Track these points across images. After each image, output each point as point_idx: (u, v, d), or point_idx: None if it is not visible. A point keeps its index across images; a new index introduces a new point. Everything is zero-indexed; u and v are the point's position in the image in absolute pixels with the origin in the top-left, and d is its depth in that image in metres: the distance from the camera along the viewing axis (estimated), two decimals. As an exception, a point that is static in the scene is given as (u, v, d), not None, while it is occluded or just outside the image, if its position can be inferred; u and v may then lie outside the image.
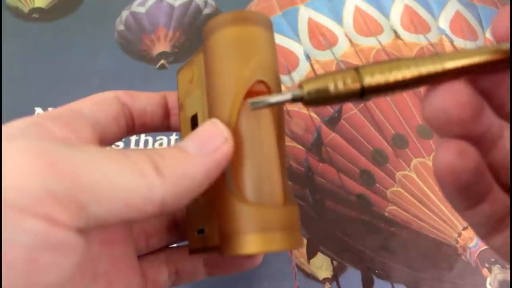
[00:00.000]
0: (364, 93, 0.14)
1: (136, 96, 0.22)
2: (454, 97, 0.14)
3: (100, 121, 0.20)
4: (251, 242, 0.17)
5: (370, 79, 0.14)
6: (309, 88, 0.15)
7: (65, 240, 0.13)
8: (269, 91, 0.19)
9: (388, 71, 0.14)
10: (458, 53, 0.14)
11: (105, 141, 0.20)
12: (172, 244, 0.24)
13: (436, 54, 0.15)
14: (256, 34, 0.19)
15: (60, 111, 0.19)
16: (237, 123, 0.18)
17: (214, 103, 0.19)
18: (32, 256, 0.13)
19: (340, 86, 0.14)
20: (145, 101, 0.22)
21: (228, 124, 0.18)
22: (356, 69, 0.14)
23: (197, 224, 0.20)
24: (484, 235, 0.17)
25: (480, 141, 0.15)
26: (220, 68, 0.19)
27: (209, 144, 0.17)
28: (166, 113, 0.23)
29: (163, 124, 0.23)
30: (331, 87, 0.14)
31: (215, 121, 0.18)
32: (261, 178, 0.18)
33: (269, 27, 0.20)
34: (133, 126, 0.22)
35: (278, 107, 0.19)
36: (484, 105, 0.15)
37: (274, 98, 0.16)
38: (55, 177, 0.13)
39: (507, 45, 0.14)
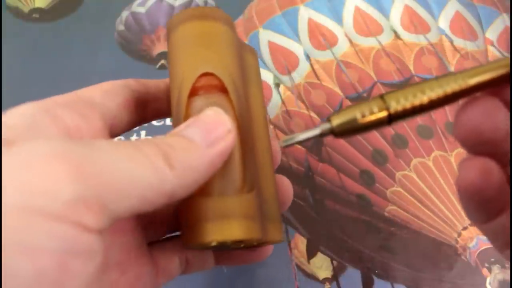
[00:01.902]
0: (391, 120, 0.15)
1: (147, 83, 0.22)
2: (490, 118, 0.14)
3: (111, 109, 0.19)
4: (207, 232, 0.17)
5: (396, 105, 0.15)
6: (337, 121, 0.15)
7: (91, 245, 0.13)
8: (221, 84, 0.19)
9: (413, 95, 0.15)
10: (479, 67, 0.15)
11: (115, 129, 0.20)
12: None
13: (457, 71, 0.15)
14: (209, 29, 0.19)
15: (70, 97, 0.18)
16: (190, 115, 0.18)
17: (171, 97, 0.19)
18: (63, 263, 0.12)
19: (368, 115, 0.15)
20: (155, 88, 0.22)
21: (177, 118, 0.18)
22: (381, 96, 0.15)
23: None
24: (501, 247, 0.17)
25: (505, 154, 0.15)
26: (172, 65, 0.19)
27: (213, 134, 0.17)
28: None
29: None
30: (359, 117, 0.15)
31: (217, 110, 0.18)
32: (221, 168, 0.18)
33: (227, 23, 0.20)
34: (144, 114, 0.22)
35: (238, 98, 0.19)
36: (509, 117, 0.15)
37: (303, 135, 0.16)
38: (83, 181, 0.13)
39: None
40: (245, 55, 0.22)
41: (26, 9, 0.50)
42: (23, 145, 0.13)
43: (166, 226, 0.23)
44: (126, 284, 0.18)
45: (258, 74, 0.23)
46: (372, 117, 0.15)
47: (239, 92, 0.19)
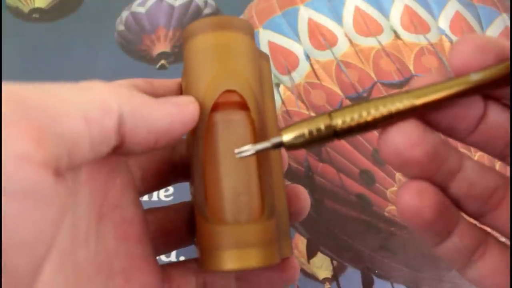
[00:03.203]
0: (338, 135, 0.16)
1: (155, 83, 0.21)
2: (405, 138, 0.15)
3: None
4: (226, 259, 0.17)
5: (342, 123, 0.15)
6: (288, 136, 0.16)
7: (38, 182, 0.12)
8: (243, 102, 0.18)
9: (358, 113, 0.15)
10: (427, 88, 0.15)
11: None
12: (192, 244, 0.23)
13: (406, 90, 0.15)
14: (231, 41, 0.19)
15: None
16: (210, 137, 0.18)
17: None
18: None
19: (314, 132, 0.16)
20: (164, 88, 0.21)
21: (197, 135, 0.18)
22: (329, 114, 0.16)
23: None
24: (460, 269, 0.17)
25: (438, 175, 0.16)
26: (191, 77, 0.19)
27: (174, 100, 0.17)
28: None
29: None
30: (306, 134, 0.16)
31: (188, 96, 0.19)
32: (237, 194, 0.18)
33: (249, 32, 0.19)
34: None
35: (259, 115, 0.19)
36: (436, 141, 0.15)
37: (256, 147, 0.17)
38: (5, 103, 0.12)
39: (477, 76, 0.15)
40: (261, 64, 0.21)
41: (26, 9, 0.50)
42: None
43: (176, 238, 0.22)
44: None
45: (271, 82, 0.22)
46: (319, 134, 0.16)
47: (259, 109, 0.19)
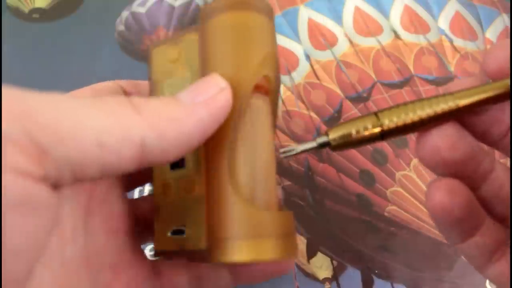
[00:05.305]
0: (384, 136, 0.16)
1: (139, 85, 0.21)
2: (446, 139, 0.15)
3: None
4: (240, 249, 0.16)
5: (389, 123, 0.16)
6: (334, 135, 0.16)
7: (34, 195, 0.12)
8: (268, 85, 0.18)
9: (405, 113, 0.16)
10: (469, 89, 0.15)
11: None
12: None
13: (449, 92, 0.16)
14: (259, 22, 0.18)
15: None
16: (239, 118, 0.17)
17: None
18: None
19: (362, 131, 0.16)
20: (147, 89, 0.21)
21: (230, 119, 0.17)
22: (376, 114, 0.16)
23: (172, 222, 0.19)
24: (479, 267, 0.17)
25: (472, 176, 0.16)
26: (224, 57, 0.17)
27: (203, 94, 0.16)
28: None
29: None
30: (354, 133, 0.16)
31: (213, 74, 0.17)
32: (258, 179, 0.17)
33: (271, 14, 0.19)
34: None
35: (273, 108, 0.19)
36: (474, 144, 0.16)
37: (302, 147, 0.17)
38: (8, 117, 0.11)
39: None
40: None
41: (26, 9, 0.50)
42: None
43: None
44: (120, 286, 0.18)
45: None
46: (366, 133, 0.16)
47: (276, 95, 0.18)
